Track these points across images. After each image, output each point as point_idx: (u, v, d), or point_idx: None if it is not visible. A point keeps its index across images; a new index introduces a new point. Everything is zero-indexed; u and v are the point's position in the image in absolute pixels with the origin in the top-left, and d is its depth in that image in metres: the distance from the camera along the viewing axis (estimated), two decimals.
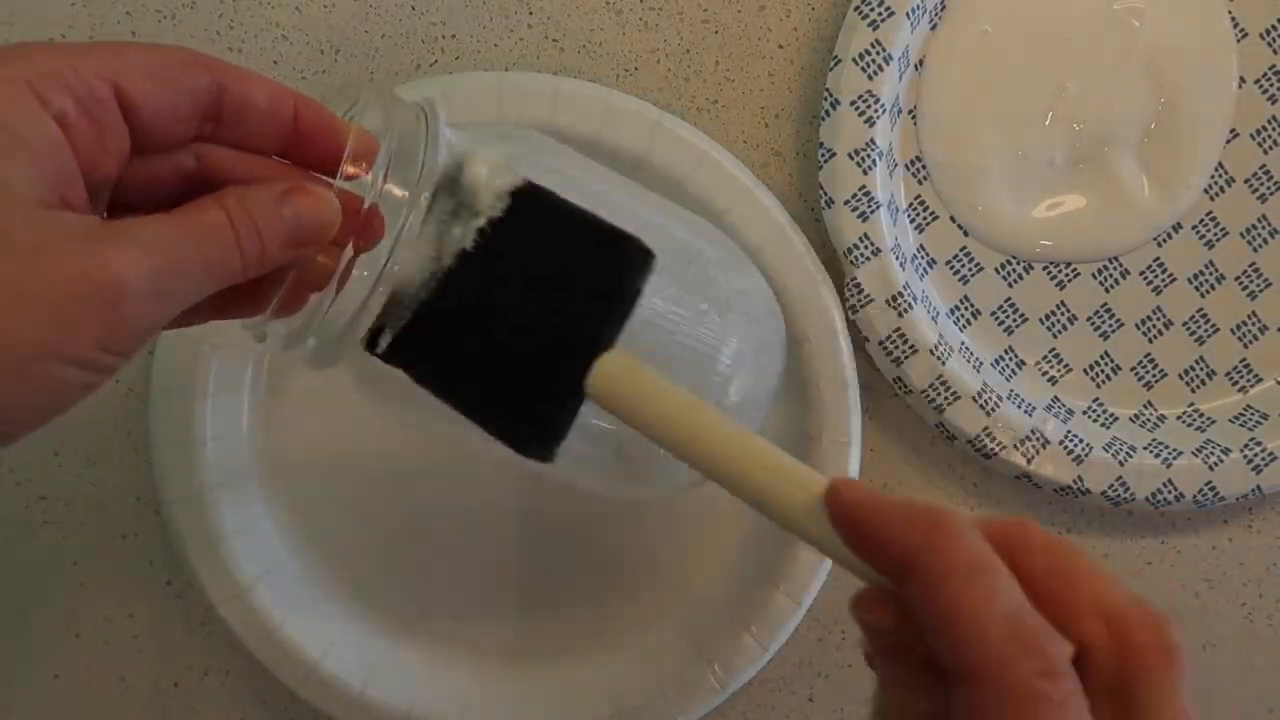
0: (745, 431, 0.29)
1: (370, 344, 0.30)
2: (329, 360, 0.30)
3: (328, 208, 0.27)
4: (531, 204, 0.29)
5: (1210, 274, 0.48)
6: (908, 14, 0.43)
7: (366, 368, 0.31)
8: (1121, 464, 0.46)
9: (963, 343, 0.46)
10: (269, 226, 0.26)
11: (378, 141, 0.28)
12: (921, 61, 0.46)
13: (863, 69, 0.43)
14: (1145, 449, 0.47)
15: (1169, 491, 0.46)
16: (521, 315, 0.29)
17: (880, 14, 0.43)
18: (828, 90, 0.44)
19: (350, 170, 0.28)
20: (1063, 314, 0.47)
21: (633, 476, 0.35)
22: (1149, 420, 0.48)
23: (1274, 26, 0.47)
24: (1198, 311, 0.48)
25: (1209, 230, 0.47)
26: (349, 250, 0.28)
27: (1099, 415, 0.48)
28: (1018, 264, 0.47)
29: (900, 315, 0.44)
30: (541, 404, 0.29)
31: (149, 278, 0.23)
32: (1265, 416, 0.47)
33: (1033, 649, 0.22)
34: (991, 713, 0.22)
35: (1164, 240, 0.47)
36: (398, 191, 0.28)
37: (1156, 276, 0.48)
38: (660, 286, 0.31)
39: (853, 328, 0.44)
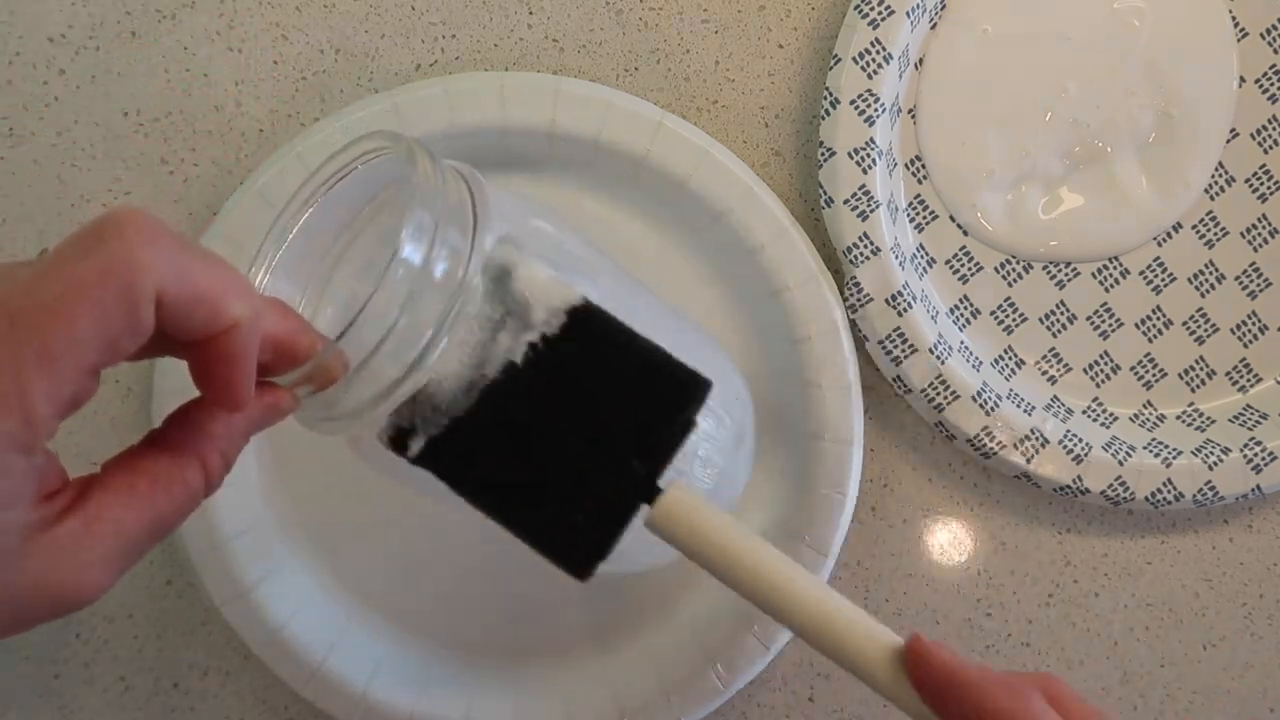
0: (809, 576, 0.29)
1: (398, 445, 0.29)
2: (332, 430, 0.30)
3: (291, 407, 0.27)
4: (589, 324, 0.28)
5: (1210, 274, 0.48)
6: (908, 13, 0.43)
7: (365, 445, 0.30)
8: (1121, 464, 0.46)
9: (962, 342, 0.46)
10: (234, 452, 0.26)
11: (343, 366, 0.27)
12: (921, 60, 0.46)
13: (862, 68, 0.43)
14: (1145, 448, 0.47)
15: (1169, 491, 0.46)
16: (571, 439, 0.28)
17: (880, 13, 0.43)
18: (828, 89, 0.44)
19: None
20: (1062, 313, 0.47)
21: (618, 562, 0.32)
22: (1149, 420, 0.48)
23: (1274, 26, 0.47)
24: (1198, 311, 0.48)
25: (1209, 230, 0.48)
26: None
27: (1098, 415, 0.48)
28: (1017, 263, 0.47)
29: (900, 314, 0.44)
30: (588, 530, 0.29)
31: (115, 576, 0.24)
32: (1265, 416, 0.47)
33: None
34: None
35: (1164, 240, 0.47)
36: (439, 275, 0.26)
37: (1156, 276, 0.48)
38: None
39: (852, 327, 0.45)
